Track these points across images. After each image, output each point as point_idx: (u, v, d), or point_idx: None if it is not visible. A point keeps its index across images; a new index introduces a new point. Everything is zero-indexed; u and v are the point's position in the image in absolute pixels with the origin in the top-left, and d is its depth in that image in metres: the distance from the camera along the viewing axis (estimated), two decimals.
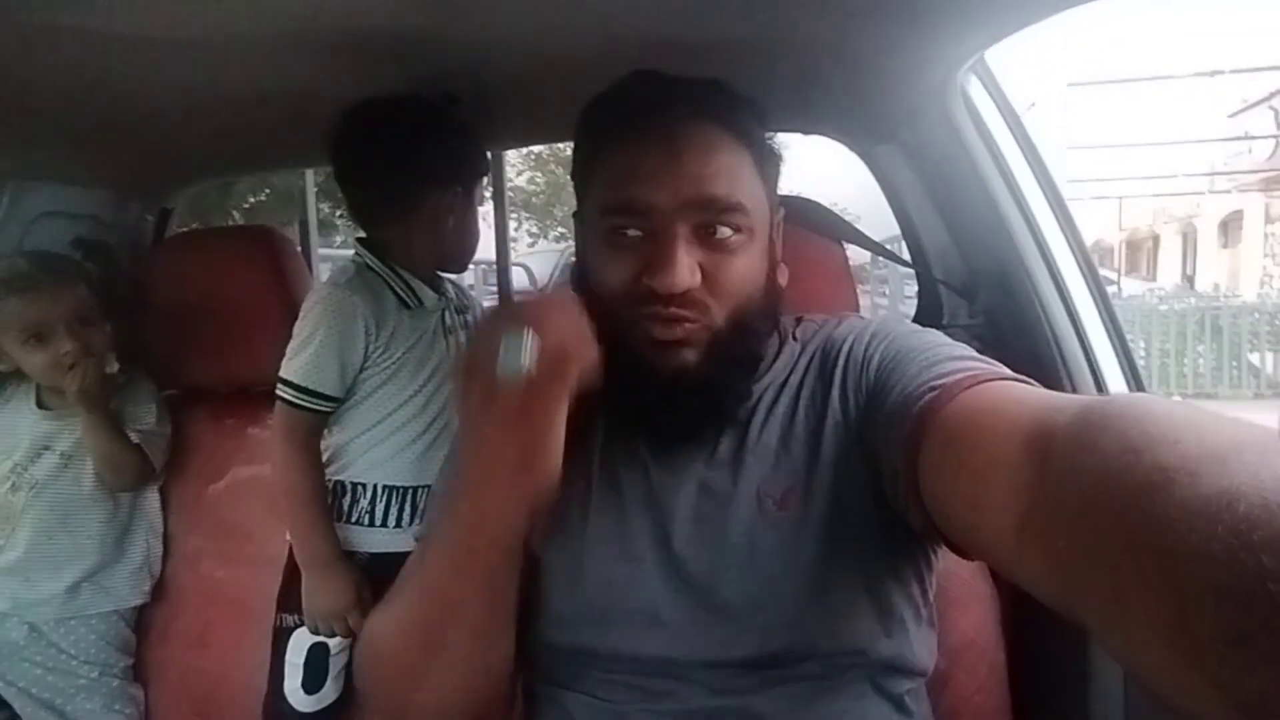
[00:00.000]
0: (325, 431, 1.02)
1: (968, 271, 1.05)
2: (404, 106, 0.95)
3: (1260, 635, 0.26)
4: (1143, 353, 7.74)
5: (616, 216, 0.64)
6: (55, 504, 1.09)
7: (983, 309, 1.01)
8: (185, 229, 1.63)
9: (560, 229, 13.33)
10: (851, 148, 1.17)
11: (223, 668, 1.12)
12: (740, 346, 0.65)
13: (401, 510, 1.02)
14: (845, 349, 0.68)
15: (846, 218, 1.05)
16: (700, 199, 0.62)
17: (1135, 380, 0.89)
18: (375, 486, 1.01)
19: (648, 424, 0.68)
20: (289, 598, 1.01)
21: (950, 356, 0.58)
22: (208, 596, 1.16)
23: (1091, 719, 0.82)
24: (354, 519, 1.01)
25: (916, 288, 1.25)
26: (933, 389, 0.54)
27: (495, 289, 2.39)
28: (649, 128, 0.64)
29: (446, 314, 1.08)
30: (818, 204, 1.02)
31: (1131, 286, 12.74)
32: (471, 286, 5.56)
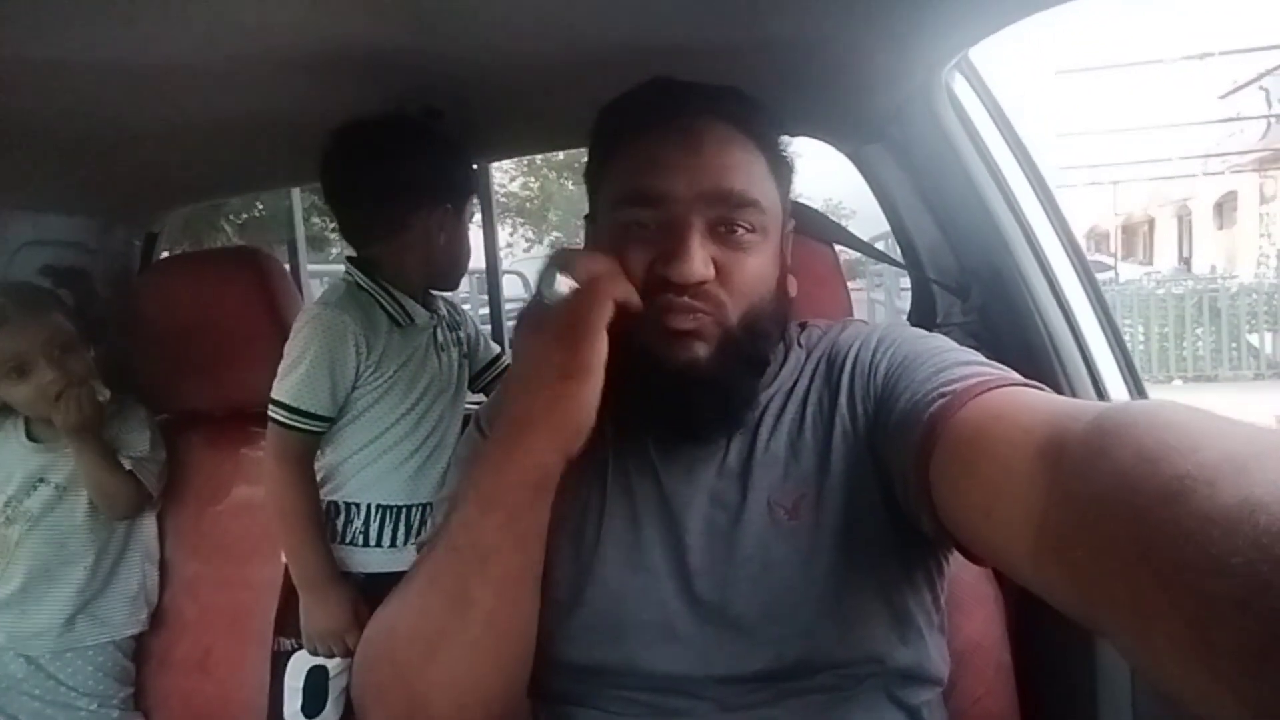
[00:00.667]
0: (318, 452, 1.01)
1: (960, 269, 1.05)
2: (392, 126, 0.95)
3: None
4: (1142, 337, 7.75)
5: (631, 207, 0.64)
6: (50, 536, 1.09)
7: (976, 306, 1.00)
8: (178, 248, 1.62)
9: (555, 233, 13.35)
10: (839, 148, 1.16)
11: (224, 693, 1.11)
12: (750, 348, 0.64)
13: (395, 530, 1.01)
14: (852, 355, 0.68)
15: (841, 214, 1.05)
16: (717, 191, 0.62)
17: (1130, 371, 0.88)
18: (369, 506, 1.01)
19: (655, 419, 0.67)
20: (286, 621, 1.01)
21: (959, 362, 0.58)
22: (207, 622, 1.15)
23: (1099, 719, 0.81)
24: (348, 539, 1.01)
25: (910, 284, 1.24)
26: (943, 395, 0.53)
27: (488, 297, 2.39)
28: (667, 123, 0.64)
29: (438, 331, 1.07)
30: (807, 206, 1.02)
31: (1129, 271, 12.75)
32: (467, 294, 5.56)
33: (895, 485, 0.58)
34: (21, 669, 1.08)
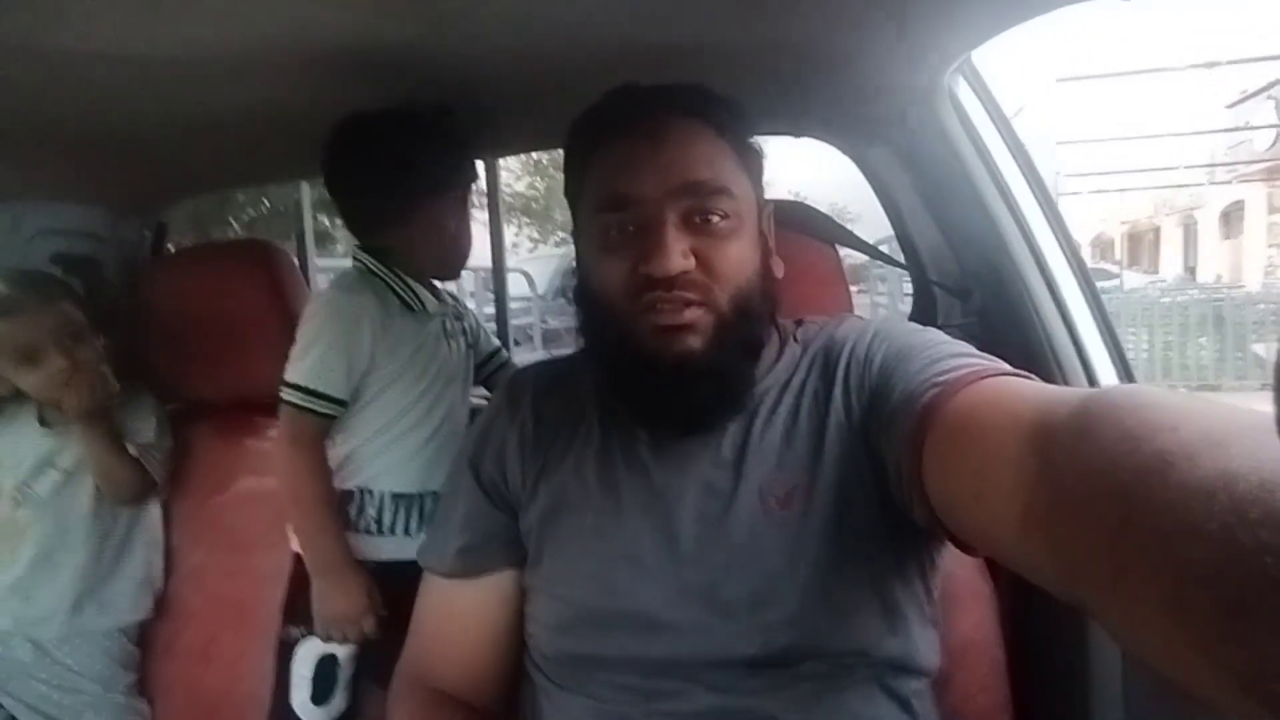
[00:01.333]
0: (330, 441, 1.01)
1: (961, 272, 1.06)
2: (397, 114, 0.95)
3: (1257, 609, 0.26)
4: (1146, 346, 7.72)
5: (606, 214, 0.66)
6: (57, 521, 1.10)
7: (976, 308, 1.01)
8: (185, 240, 1.64)
9: (560, 233, 13.36)
10: (842, 150, 1.17)
11: (228, 681, 1.12)
12: (743, 332, 0.66)
13: (409, 517, 1.01)
14: (847, 349, 0.69)
15: (846, 218, 1.06)
16: (685, 184, 0.63)
17: (1127, 375, 0.89)
18: (382, 494, 1.01)
19: (653, 416, 0.69)
20: (295, 610, 1.01)
21: (952, 354, 0.59)
22: (211, 610, 1.16)
23: (1092, 712, 0.82)
24: (362, 527, 1.00)
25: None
26: (935, 386, 0.55)
27: (494, 294, 2.40)
28: (631, 128, 0.66)
29: (447, 320, 1.08)
30: (810, 207, 1.03)
31: (1133, 279, 12.71)
32: (473, 293, 5.58)
33: (889, 475, 0.59)
34: (29, 654, 1.09)
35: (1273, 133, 13.39)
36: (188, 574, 1.19)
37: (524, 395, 0.78)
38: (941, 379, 0.55)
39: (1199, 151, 14.54)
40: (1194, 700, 0.30)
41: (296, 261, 1.44)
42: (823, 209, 1.04)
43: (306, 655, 0.99)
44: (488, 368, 1.20)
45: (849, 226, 1.08)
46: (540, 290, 6.33)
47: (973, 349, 0.61)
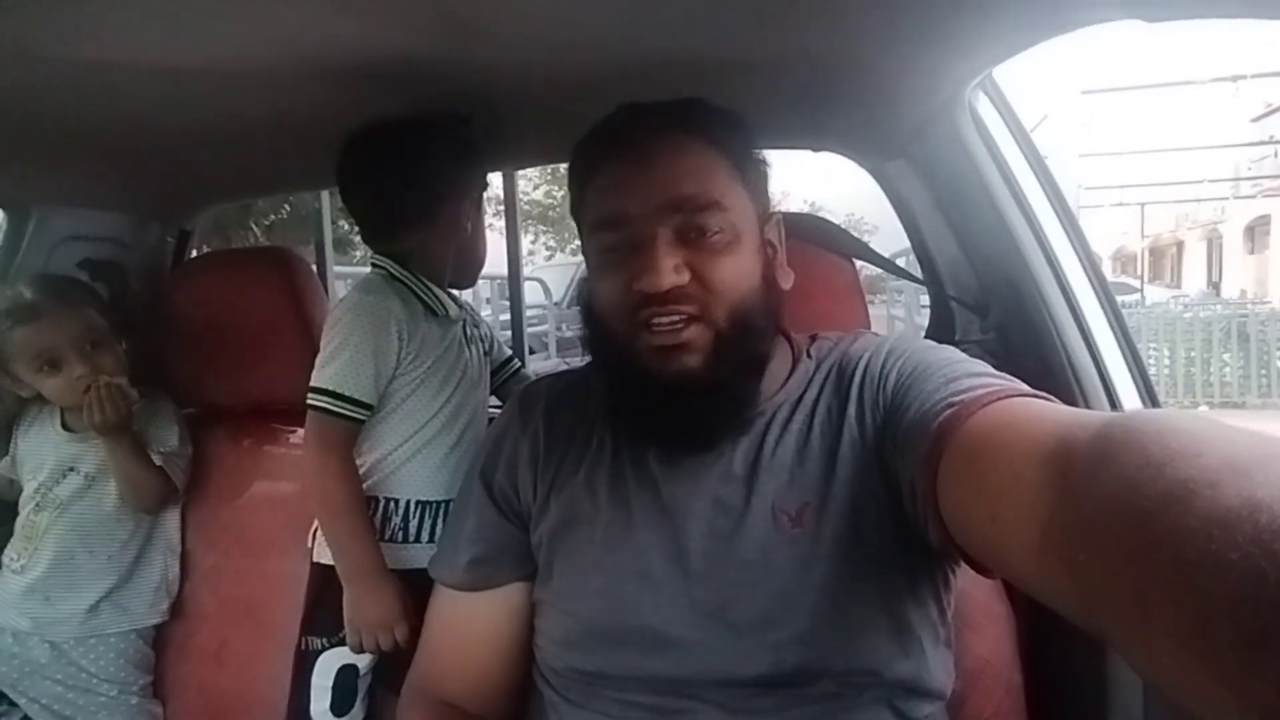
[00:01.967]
0: (356, 451, 0.99)
1: (979, 287, 1.05)
2: (412, 120, 0.96)
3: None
4: (1168, 361, 7.62)
5: (601, 234, 0.67)
6: (77, 524, 1.11)
7: (994, 324, 1.00)
8: (207, 246, 1.66)
9: (577, 242, 13.42)
10: (861, 164, 1.17)
11: (240, 684, 1.12)
12: (742, 349, 0.66)
13: (435, 524, 1.00)
14: (862, 366, 0.68)
15: (863, 230, 1.05)
16: (673, 200, 0.63)
17: (1149, 393, 0.88)
18: (409, 502, 1.00)
19: (656, 433, 0.69)
20: (314, 621, 1.00)
21: (968, 373, 0.59)
22: (225, 613, 1.17)
23: None
24: (388, 536, 0.99)
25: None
26: (951, 405, 0.54)
27: (509, 302, 2.41)
28: (624, 146, 0.66)
29: (467, 326, 1.08)
30: (826, 220, 1.02)
31: (1155, 294, 12.56)
32: (488, 300, 5.61)
33: (903, 495, 0.59)
34: (45, 654, 1.10)
35: None
36: (202, 576, 1.19)
37: (536, 408, 0.78)
38: (958, 398, 0.54)
39: (1223, 165, 14.37)
40: None
41: (315, 268, 1.45)
42: (839, 221, 1.04)
43: (326, 666, 0.98)
44: (500, 376, 1.21)
45: (866, 238, 1.07)
46: (556, 298, 6.36)
47: (990, 368, 0.60)
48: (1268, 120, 13.88)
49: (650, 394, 0.65)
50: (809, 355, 0.74)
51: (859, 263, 1.04)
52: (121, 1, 0.64)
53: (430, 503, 1.01)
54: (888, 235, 1.58)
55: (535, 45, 0.78)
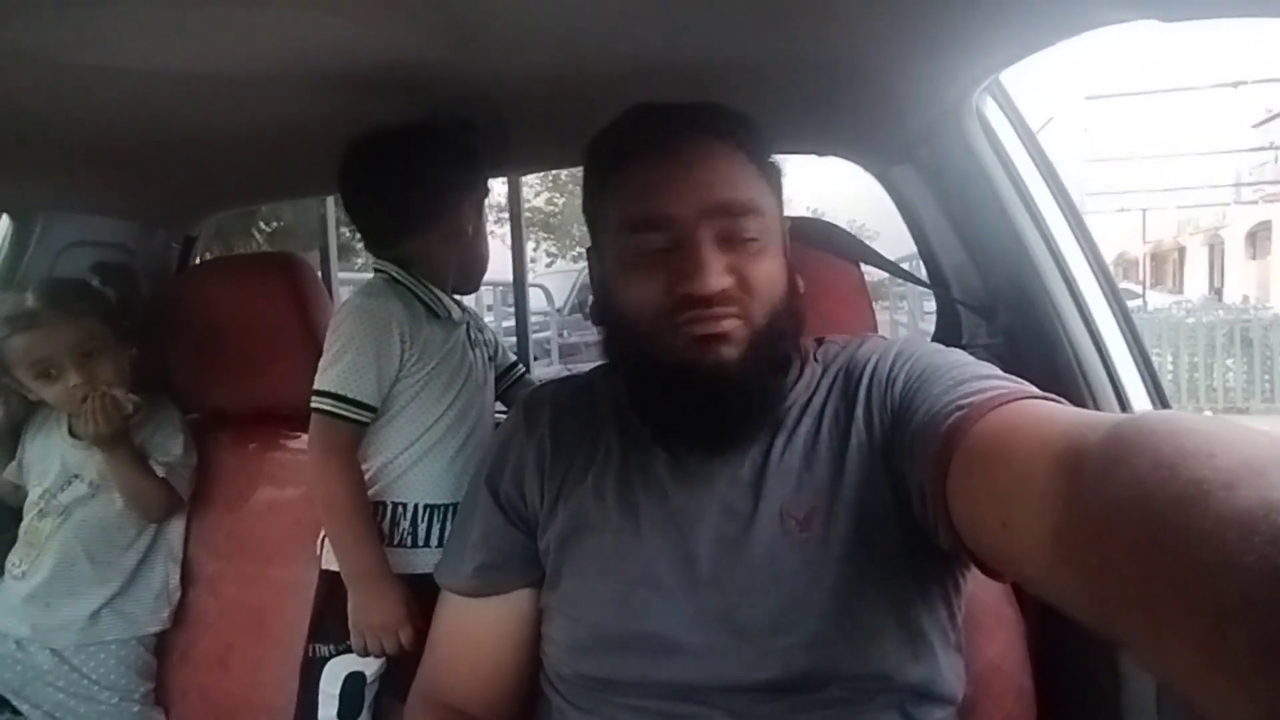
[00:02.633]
0: (361, 456, 0.99)
1: (986, 291, 1.04)
2: (413, 126, 0.96)
3: None
4: (1170, 367, 7.60)
5: (638, 233, 0.65)
6: (80, 531, 1.11)
7: (1002, 328, 1.00)
8: (209, 253, 1.66)
9: (578, 249, 13.45)
10: (867, 168, 1.16)
11: (244, 690, 1.12)
12: (775, 347, 0.66)
13: (443, 528, 1.00)
14: (869, 369, 0.68)
15: (865, 235, 1.05)
16: (719, 204, 0.63)
17: (1159, 397, 0.87)
18: (416, 506, 0.99)
19: (681, 430, 0.68)
20: (321, 628, 0.99)
21: (977, 375, 0.58)
22: (229, 619, 1.16)
23: None
24: (396, 540, 0.99)
25: (935, 305, 1.24)
26: (960, 408, 0.54)
27: (514, 308, 2.41)
28: (657, 146, 0.66)
29: (470, 329, 1.08)
30: (833, 225, 1.02)
31: (1157, 299, 12.53)
32: (490, 307, 5.62)
33: (912, 498, 0.58)
34: (47, 661, 1.09)
35: None
36: (206, 583, 1.19)
37: (542, 413, 0.78)
38: (967, 401, 0.54)
39: (1225, 171, 14.38)
40: None
41: (320, 274, 1.45)
42: (841, 226, 1.04)
43: (333, 673, 0.98)
44: (505, 381, 1.20)
45: (868, 243, 1.07)
46: (558, 305, 6.36)
47: (998, 371, 0.60)
48: (1269, 125, 13.90)
49: (683, 388, 0.64)
50: (816, 359, 0.73)
51: (865, 268, 1.04)
52: (127, 8, 0.64)
53: (438, 506, 1.00)
54: (889, 241, 1.58)
55: (539, 51, 0.78)
